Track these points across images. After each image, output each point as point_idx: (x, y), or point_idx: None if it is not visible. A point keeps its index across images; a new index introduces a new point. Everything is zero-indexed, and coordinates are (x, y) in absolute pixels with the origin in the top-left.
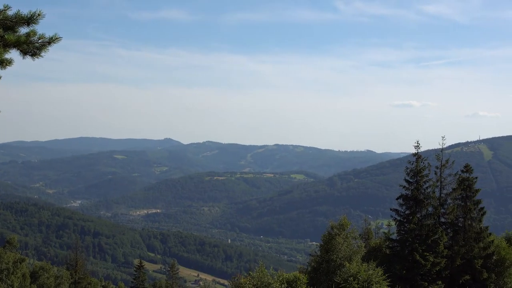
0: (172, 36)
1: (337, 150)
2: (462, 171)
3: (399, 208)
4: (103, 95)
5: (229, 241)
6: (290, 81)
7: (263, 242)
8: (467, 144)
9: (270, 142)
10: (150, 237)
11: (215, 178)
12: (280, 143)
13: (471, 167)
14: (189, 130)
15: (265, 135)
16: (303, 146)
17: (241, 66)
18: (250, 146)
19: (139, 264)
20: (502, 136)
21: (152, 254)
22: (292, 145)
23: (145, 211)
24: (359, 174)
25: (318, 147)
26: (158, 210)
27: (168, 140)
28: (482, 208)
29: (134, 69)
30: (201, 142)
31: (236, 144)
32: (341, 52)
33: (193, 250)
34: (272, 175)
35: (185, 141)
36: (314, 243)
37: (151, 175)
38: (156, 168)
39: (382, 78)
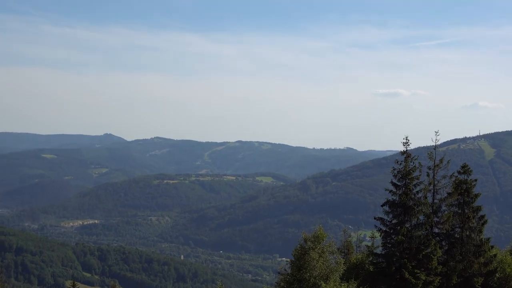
0: (112, 10)
1: (311, 147)
2: (459, 172)
3: (385, 217)
4: (28, 81)
5: (182, 257)
6: (255, 65)
7: (223, 258)
8: (465, 140)
9: (232, 138)
10: (85, 253)
11: (166, 181)
12: (243, 139)
13: (469, 168)
14: (134, 124)
15: (226, 130)
16: (271, 143)
17: (196, 48)
18: (207, 143)
19: (71, 287)
20: (506, 131)
21: (88, 275)
22: (257, 142)
23: (80, 222)
24: (337, 176)
25: (289, 144)
26: (96, 221)
27: (108, 136)
28: (482, 216)
29: (66, 50)
30: (149, 138)
31: (191, 141)
32: (316, 31)
33: (138, 269)
34: (234, 177)
35: (129, 137)
36: (283, 259)
37: (87, 178)
38: (93, 170)
39: (365, 62)
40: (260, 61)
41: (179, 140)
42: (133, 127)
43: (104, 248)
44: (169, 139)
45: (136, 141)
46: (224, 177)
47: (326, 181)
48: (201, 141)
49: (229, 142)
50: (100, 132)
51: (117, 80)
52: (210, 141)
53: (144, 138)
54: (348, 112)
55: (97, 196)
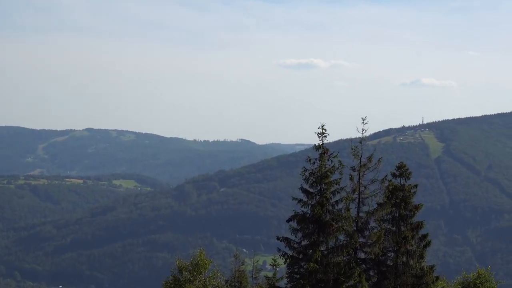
0: None
1: (191, 139)
2: (394, 174)
3: (292, 237)
4: None
5: None
6: (114, 23)
7: None
8: (402, 130)
9: (79, 125)
10: None
11: None
12: (95, 126)
13: (408, 169)
14: None
15: (70, 114)
16: (134, 133)
17: None
18: (43, 131)
19: None
20: (459, 119)
21: None
22: (115, 130)
23: None
24: (227, 180)
25: (160, 135)
26: None
27: None
28: (425, 236)
29: None
30: None
31: (19, 128)
32: None
33: None
34: (81, 180)
35: None
36: None
37: None
38: None
39: (267, 22)
40: (121, 17)
41: (1, 127)
42: None
43: None
44: None
45: None
46: (67, 179)
47: (212, 186)
48: (34, 128)
49: (74, 130)
50: None
51: None
52: (47, 128)
53: None
54: (243, 90)
55: None
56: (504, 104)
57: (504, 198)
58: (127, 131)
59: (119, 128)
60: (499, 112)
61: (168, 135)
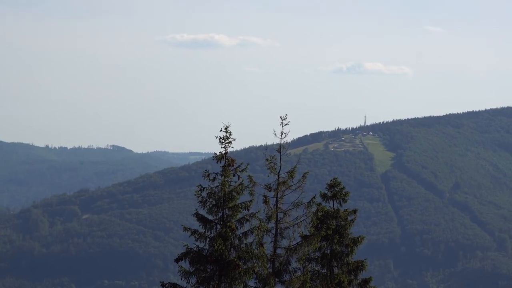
0: None
1: (42, 145)
2: (325, 196)
3: (183, 283)
4: None
5: None
6: None
7: None
8: (337, 134)
9: None
10: None
11: None
12: None
13: (344, 188)
14: None
15: None
16: None
17: None
18: None
19: None
20: (415, 119)
21: None
22: None
23: None
24: (93, 203)
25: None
26: None
27: None
28: (367, 281)
29: None
30: None
31: None
32: None
33: None
34: None
35: None
36: None
37: None
38: None
39: None
40: None
41: None
42: None
43: None
44: None
45: None
46: None
47: (71, 212)
48: None
49: None
50: None
51: None
52: None
53: None
54: (113, 78)
55: None
56: (475, 100)
57: (476, 229)
58: None
59: None
60: (469, 110)
61: (8, 140)
